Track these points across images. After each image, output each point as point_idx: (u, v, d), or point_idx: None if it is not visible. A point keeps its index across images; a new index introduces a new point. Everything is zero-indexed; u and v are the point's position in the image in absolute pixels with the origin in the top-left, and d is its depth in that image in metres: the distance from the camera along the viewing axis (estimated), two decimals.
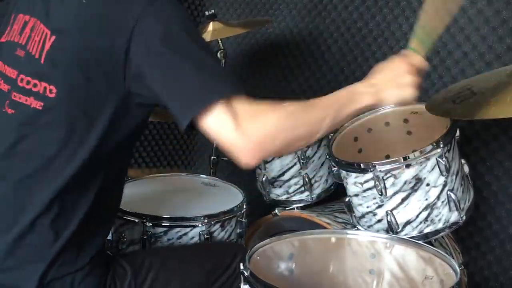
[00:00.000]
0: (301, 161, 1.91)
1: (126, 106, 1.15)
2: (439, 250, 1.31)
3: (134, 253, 1.53)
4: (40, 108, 1.13)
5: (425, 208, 1.53)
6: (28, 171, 1.15)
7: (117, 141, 1.18)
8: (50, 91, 1.13)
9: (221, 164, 2.38)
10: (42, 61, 1.14)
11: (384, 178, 1.51)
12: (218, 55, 2.29)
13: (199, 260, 1.40)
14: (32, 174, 1.15)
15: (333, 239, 1.45)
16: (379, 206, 1.56)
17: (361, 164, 1.55)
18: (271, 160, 1.97)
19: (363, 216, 1.62)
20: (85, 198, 1.18)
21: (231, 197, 1.77)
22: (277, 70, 2.67)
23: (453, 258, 1.46)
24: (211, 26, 2.25)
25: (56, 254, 1.16)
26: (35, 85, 1.14)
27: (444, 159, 1.49)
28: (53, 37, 1.14)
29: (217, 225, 1.64)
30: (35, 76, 1.14)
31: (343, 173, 1.63)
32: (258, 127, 1.09)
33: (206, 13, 2.27)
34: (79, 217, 1.18)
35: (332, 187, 2.00)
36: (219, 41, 2.29)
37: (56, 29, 1.14)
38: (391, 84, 1.24)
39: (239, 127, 1.07)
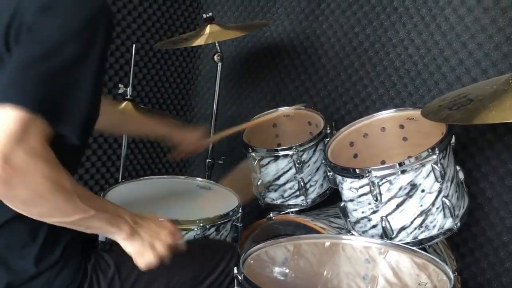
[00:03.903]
0: (297, 165, 1.91)
1: None
2: (433, 257, 1.31)
3: (119, 250, 1.53)
4: None
5: (420, 214, 1.53)
6: None
7: None
8: None
9: (217, 167, 2.38)
10: None
11: (380, 183, 1.51)
12: (215, 58, 2.29)
13: (187, 258, 1.39)
14: None
15: (327, 244, 1.45)
16: (374, 212, 1.56)
17: (357, 170, 1.55)
18: (266, 164, 1.97)
19: (358, 221, 1.63)
20: None
21: (226, 200, 1.76)
22: (274, 74, 2.67)
23: (447, 264, 1.46)
24: (208, 29, 2.25)
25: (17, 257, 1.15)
26: None
27: (439, 165, 1.49)
28: None
29: (212, 229, 1.63)
30: None
31: (339, 178, 1.63)
32: (24, 166, 0.98)
33: (204, 16, 2.27)
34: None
35: (327, 191, 2.00)
36: (216, 44, 2.29)
37: None
38: (147, 232, 1.20)
39: (13, 150, 0.97)
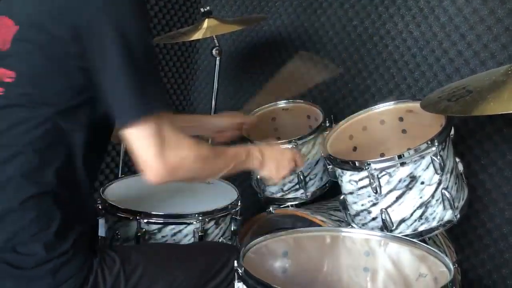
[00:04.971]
0: None
1: (79, 94, 1.22)
2: (433, 248, 1.31)
3: (123, 247, 1.53)
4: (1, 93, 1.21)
5: (420, 206, 1.53)
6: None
7: (71, 129, 1.23)
8: (9, 77, 1.20)
9: None
10: (5, 49, 1.21)
11: (379, 176, 1.51)
12: (213, 52, 2.28)
13: (192, 261, 1.40)
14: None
15: (327, 237, 1.45)
16: (374, 204, 1.56)
17: (356, 162, 1.55)
18: None
19: (357, 214, 1.63)
20: (48, 178, 1.21)
21: (225, 194, 1.76)
22: (272, 67, 2.66)
23: (447, 256, 1.46)
24: (206, 23, 2.24)
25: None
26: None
27: (438, 157, 1.49)
28: (16, 27, 1.21)
29: (212, 223, 1.63)
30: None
31: (338, 171, 1.63)
32: (176, 159, 1.22)
33: (202, 10, 2.26)
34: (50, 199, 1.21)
35: (327, 185, 2.00)
36: (214, 38, 2.28)
37: (19, 19, 1.21)
38: (273, 161, 1.50)
39: (162, 152, 1.19)
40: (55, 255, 1.19)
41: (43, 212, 1.20)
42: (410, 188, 1.52)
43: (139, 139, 1.19)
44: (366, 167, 1.51)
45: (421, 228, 1.55)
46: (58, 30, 1.16)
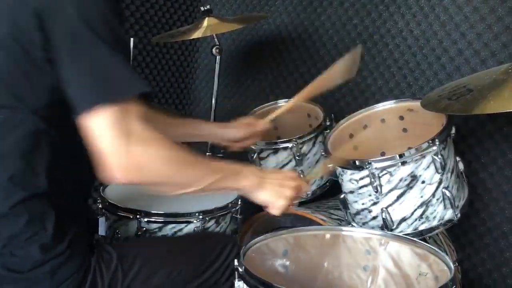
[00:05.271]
0: (296, 157, 1.91)
1: (53, 92, 1.14)
2: (433, 247, 1.31)
3: (120, 243, 1.53)
4: None
5: (420, 206, 1.53)
6: None
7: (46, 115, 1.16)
8: None
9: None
10: None
11: (380, 175, 1.51)
12: (214, 50, 2.28)
13: (188, 250, 1.39)
14: None
15: (328, 236, 1.44)
16: (375, 203, 1.56)
17: (357, 161, 1.55)
18: (266, 157, 1.96)
19: (358, 213, 1.63)
20: (38, 180, 1.18)
21: (226, 193, 1.76)
22: (272, 66, 2.66)
23: (447, 255, 1.46)
24: (206, 22, 2.24)
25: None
26: None
27: (439, 156, 1.49)
28: None
29: (212, 221, 1.63)
30: None
31: (339, 170, 1.63)
32: (143, 155, 1.08)
33: (202, 8, 2.26)
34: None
35: (328, 183, 2.00)
36: (215, 37, 2.28)
37: None
38: (273, 187, 1.30)
39: (126, 145, 1.05)
40: (52, 256, 1.18)
41: (35, 215, 1.17)
42: (411, 187, 1.51)
43: (99, 128, 1.05)
44: (367, 166, 1.51)
45: (421, 227, 1.55)
46: (21, 18, 1.09)
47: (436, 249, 1.29)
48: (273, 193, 1.30)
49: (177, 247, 1.41)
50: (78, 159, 1.21)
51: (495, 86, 1.40)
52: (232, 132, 1.80)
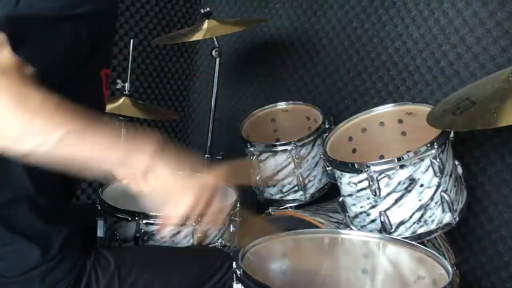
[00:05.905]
0: (295, 160, 1.91)
1: None
2: (432, 251, 1.31)
3: (119, 248, 1.53)
4: None
5: (419, 209, 1.53)
6: None
7: None
8: None
9: (215, 163, 2.38)
10: None
11: (378, 178, 1.52)
12: (213, 53, 2.28)
13: (186, 265, 1.39)
14: None
15: (326, 239, 1.44)
16: (373, 206, 1.56)
17: (355, 164, 1.55)
18: (265, 159, 1.97)
19: (356, 216, 1.63)
20: (21, 186, 1.14)
21: (224, 195, 1.76)
22: (271, 69, 2.67)
23: (446, 258, 1.46)
24: (206, 24, 2.24)
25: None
26: None
27: (438, 160, 1.49)
28: None
29: (210, 224, 1.63)
30: None
31: (337, 172, 1.63)
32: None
33: (202, 11, 2.26)
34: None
35: (326, 186, 2.00)
36: (214, 39, 2.28)
37: None
38: (169, 191, 1.06)
39: None
40: (42, 261, 1.17)
41: (21, 219, 1.15)
42: (409, 191, 1.52)
43: None
44: (366, 169, 1.52)
45: (420, 231, 1.55)
46: None
47: (435, 253, 1.29)
48: (163, 200, 1.08)
49: (176, 259, 1.40)
50: None
51: (498, 97, 1.39)
52: None
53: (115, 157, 0.99)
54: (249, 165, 1.70)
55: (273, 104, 2.24)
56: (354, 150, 1.82)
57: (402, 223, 1.55)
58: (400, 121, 1.80)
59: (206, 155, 2.35)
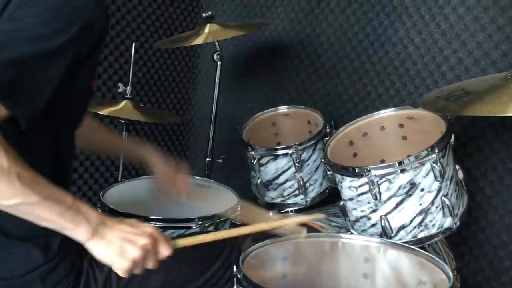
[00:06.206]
0: (296, 164, 1.91)
1: None
2: (432, 256, 1.31)
3: None
4: None
5: (419, 213, 1.53)
6: None
7: None
8: None
9: (216, 166, 2.38)
10: None
11: (379, 182, 1.52)
12: (215, 57, 2.29)
13: (186, 252, 1.37)
14: None
15: (327, 243, 1.44)
16: (374, 211, 1.56)
17: (356, 168, 1.55)
18: (266, 163, 1.97)
19: (357, 220, 1.63)
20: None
21: (225, 199, 1.76)
22: (273, 73, 2.67)
23: (446, 263, 1.46)
24: (208, 28, 2.25)
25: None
26: None
27: (439, 164, 1.49)
28: None
29: (211, 227, 1.63)
30: None
31: (338, 177, 1.63)
32: None
33: (203, 14, 2.27)
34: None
35: (327, 190, 2.00)
36: (216, 43, 2.29)
37: None
38: (115, 239, 1.06)
39: None
40: (42, 262, 1.17)
41: (18, 221, 1.10)
42: (410, 195, 1.52)
43: None
44: (366, 174, 1.52)
45: (420, 235, 1.55)
46: None
47: (435, 258, 1.29)
48: (114, 249, 1.05)
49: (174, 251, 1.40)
50: (55, 161, 1.17)
51: (493, 91, 1.39)
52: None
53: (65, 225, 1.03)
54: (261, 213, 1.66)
55: (274, 108, 2.25)
56: (355, 154, 1.82)
57: (402, 227, 1.55)
58: (401, 125, 1.80)
59: (207, 159, 2.35)
